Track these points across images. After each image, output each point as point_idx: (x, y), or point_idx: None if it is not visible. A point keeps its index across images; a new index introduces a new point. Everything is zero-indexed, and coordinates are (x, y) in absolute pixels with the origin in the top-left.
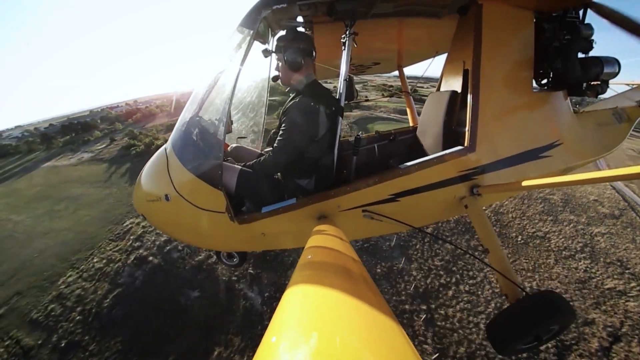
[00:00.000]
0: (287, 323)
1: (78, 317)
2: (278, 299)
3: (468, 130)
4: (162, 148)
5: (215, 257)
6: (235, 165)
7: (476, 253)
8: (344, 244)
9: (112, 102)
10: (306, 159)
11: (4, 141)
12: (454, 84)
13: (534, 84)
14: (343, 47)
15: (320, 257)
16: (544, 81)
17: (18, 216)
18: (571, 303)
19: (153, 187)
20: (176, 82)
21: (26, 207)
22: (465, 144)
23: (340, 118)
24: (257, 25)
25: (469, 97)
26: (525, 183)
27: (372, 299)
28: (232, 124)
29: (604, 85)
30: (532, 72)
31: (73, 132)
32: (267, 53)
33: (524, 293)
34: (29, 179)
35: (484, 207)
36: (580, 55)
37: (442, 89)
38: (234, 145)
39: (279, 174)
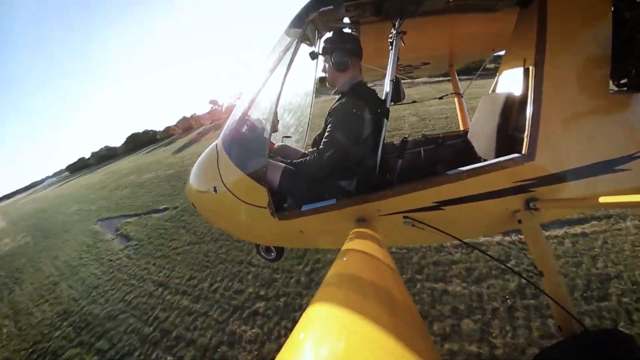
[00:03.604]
0: (316, 322)
1: None
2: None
3: (527, 136)
4: (214, 144)
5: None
6: (280, 164)
7: (528, 276)
8: (381, 249)
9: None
10: (349, 160)
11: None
12: (512, 84)
13: (611, 85)
14: (390, 47)
15: (355, 260)
16: (624, 81)
17: None
18: None
19: (203, 180)
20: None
21: None
22: (523, 152)
23: (386, 120)
24: (305, 28)
25: (530, 99)
26: (594, 200)
27: (404, 309)
28: (278, 123)
29: None
30: (608, 71)
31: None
32: (314, 56)
33: (583, 328)
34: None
35: (540, 224)
36: None
37: (498, 89)
38: (279, 144)
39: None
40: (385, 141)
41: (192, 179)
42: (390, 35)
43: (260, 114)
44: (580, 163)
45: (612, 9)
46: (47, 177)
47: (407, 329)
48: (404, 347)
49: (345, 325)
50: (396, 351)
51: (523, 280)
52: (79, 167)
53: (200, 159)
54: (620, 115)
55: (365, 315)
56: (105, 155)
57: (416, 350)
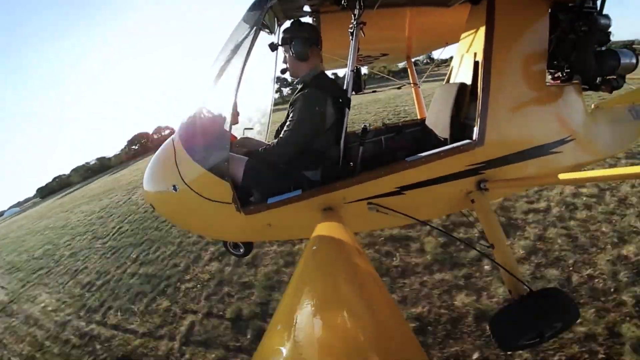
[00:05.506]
0: (293, 312)
1: None
2: None
3: (477, 123)
4: (170, 139)
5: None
6: (242, 157)
7: (481, 248)
8: (348, 236)
9: None
10: (313, 151)
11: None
12: (464, 75)
13: (548, 78)
14: (350, 38)
15: (325, 248)
16: (558, 75)
17: None
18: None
19: (161, 178)
20: None
21: None
22: (474, 138)
23: (348, 110)
24: (263, 15)
25: (479, 90)
26: (533, 179)
27: (376, 291)
28: (238, 115)
29: (620, 80)
30: (545, 65)
31: None
32: (273, 47)
33: (528, 290)
34: None
35: (490, 202)
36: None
37: (451, 80)
38: (241, 136)
39: (284, 165)
40: (347, 131)
41: (149, 179)
42: (350, 26)
43: (219, 106)
44: (522, 147)
45: (550, 12)
46: (4, 211)
47: (380, 311)
48: (379, 331)
49: (321, 314)
50: (372, 336)
51: None
52: (54, 189)
53: (155, 156)
54: (554, 104)
55: (340, 302)
56: (97, 169)
57: (391, 332)
